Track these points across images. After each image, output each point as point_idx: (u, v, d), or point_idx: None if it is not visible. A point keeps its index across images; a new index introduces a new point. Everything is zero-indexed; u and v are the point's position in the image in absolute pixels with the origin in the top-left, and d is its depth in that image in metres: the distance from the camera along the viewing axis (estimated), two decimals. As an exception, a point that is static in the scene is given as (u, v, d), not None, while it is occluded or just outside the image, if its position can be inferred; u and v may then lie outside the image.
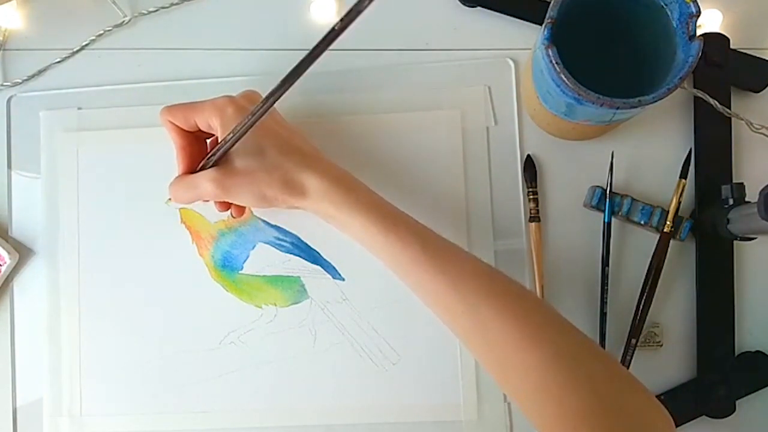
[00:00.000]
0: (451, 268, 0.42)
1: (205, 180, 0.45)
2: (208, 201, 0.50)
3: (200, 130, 0.47)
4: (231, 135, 0.42)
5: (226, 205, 0.50)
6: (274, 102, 0.39)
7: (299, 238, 0.54)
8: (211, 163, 0.46)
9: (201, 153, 0.48)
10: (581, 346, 0.40)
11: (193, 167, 0.47)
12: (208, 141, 0.50)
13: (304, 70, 0.38)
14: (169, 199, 0.54)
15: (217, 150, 0.44)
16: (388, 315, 0.53)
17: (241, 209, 0.51)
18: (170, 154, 0.53)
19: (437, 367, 0.53)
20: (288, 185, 0.45)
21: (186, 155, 0.48)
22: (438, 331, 0.52)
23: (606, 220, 0.52)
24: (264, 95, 0.48)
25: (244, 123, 0.41)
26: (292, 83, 0.38)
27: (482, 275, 0.42)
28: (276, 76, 0.56)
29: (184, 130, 0.47)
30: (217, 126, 0.45)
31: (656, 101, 0.41)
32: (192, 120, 0.46)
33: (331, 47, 0.57)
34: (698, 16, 0.42)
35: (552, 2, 0.42)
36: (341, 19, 0.34)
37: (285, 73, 0.38)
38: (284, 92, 0.39)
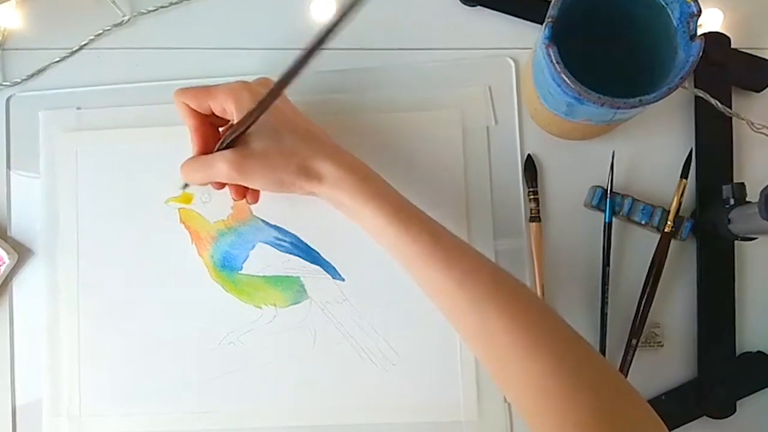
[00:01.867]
0: (459, 266, 0.42)
1: (221, 160, 0.45)
2: (222, 187, 0.49)
3: (213, 114, 0.47)
4: (247, 117, 0.42)
5: (241, 193, 0.49)
6: (290, 80, 0.39)
7: (299, 238, 0.54)
8: (224, 145, 0.46)
9: (214, 135, 0.48)
10: (583, 355, 0.40)
11: (206, 149, 0.47)
12: (221, 129, 0.50)
13: (322, 46, 0.38)
14: (169, 199, 0.54)
15: (234, 131, 0.44)
16: (388, 315, 0.53)
17: (256, 194, 0.50)
18: (170, 154, 0.53)
19: (437, 367, 0.52)
20: (304, 171, 0.44)
21: (200, 136, 0.47)
22: (438, 332, 0.52)
23: (607, 220, 0.52)
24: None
25: (261, 104, 0.41)
26: (309, 60, 0.38)
27: (490, 275, 0.42)
28: (276, 76, 0.56)
29: (197, 112, 0.47)
30: (232, 110, 0.45)
31: (657, 101, 0.41)
32: (206, 103, 0.46)
33: (331, 47, 0.57)
34: (699, 15, 0.42)
35: (552, 1, 0.42)
36: None
37: (299, 55, 0.38)
38: (301, 69, 0.38)
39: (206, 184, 0.49)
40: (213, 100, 0.46)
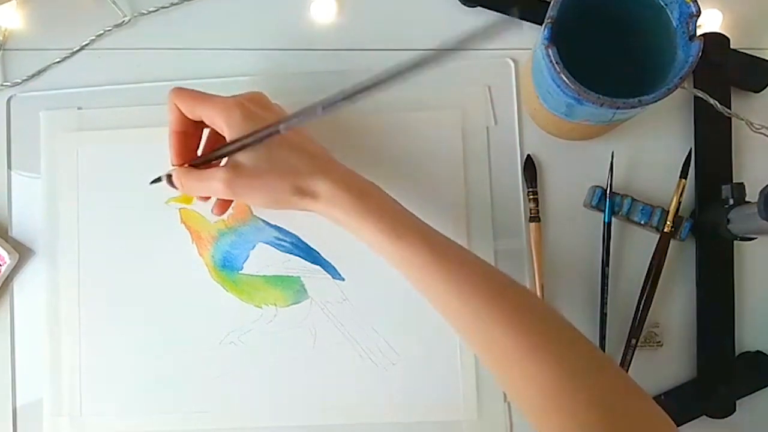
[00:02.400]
0: (459, 275, 0.42)
1: (216, 179, 0.45)
2: (207, 200, 0.51)
3: (200, 120, 0.47)
4: (239, 142, 0.42)
5: (204, 199, 0.50)
6: (295, 125, 0.39)
7: (299, 238, 0.54)
8: (210, 159, 0.46)
9: (195, 142, 0.48)
10: (586, 355, 0.40)
11: (183, 153, 0.47)
12: (206, 131, 0.49)
13: (354, 98, 0.38)
14: (170, 199, 0.54)
15: (221, 150, 0.45)
16: (388, 315, 0.53)
17: (222, 208, 0.51)
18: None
19: (437, 367, 0.52)
20: (298, 189, 0.44)
21: (178, 141, 0.47)
22: (438, 331, 0.52)
23: (606, 220, 0.52)
24: (271, 99, 0.48)
25: (258, 135, 0.41)
26: (333, 107, 0.39)
27: (490, 283, 0.42)
28: (276, 76, 0.56)
29: (184, 117, 0.47)
30: (222, 126, 0.45)
31: (656, 101, 0.41)
32: (197, 112, 0.46)
33: (331, 47, 0.57)
34: (698, 16, 0.42)
35: (552, 2, 0.42)
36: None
37: (321, 97, 0.39)
38: (306, 118, 0.39)
39: (203, 195, 0.49)
40: (205, 110, 0.45)
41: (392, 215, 0.44)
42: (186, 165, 0.48)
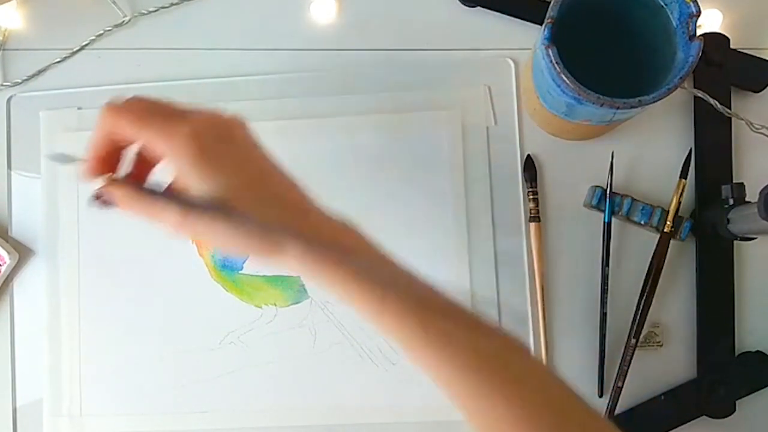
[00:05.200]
0: (457, 352, 0.35)
1: (169, 214, 0.36)
2: None
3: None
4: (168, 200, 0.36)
5: None
6: None
7: (299, 238, 0.54)
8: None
9: (116, 162, 0.39)
10: (586, 426, 0.35)
11: (104, 167, 0.38)
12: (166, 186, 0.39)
13: None
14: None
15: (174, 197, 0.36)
16: (388, 315, 0.53)
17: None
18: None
19: (437, 367, 0.52)
20: (265, 244, 0.35)
21: (103, 160, 0.38)
22: (438, 331, 0.52)
23: (606, 220, 0.52)
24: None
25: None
26: None
27: (487, 351, 0.36)
28: (276, 75, 0.56)
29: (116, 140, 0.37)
30: (169, 163, 0.36)
31: (656, 101, 0.41)
32: (142, 135, 0.36)
33: (331, 47, 0.57)
34: (698, 16, 0.42)
35: (552, 2, 0.42)
36: None
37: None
38: None
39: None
40: (151, 136, 0.36)
41: (374, 276, 0.36)
42: (126, 184, 0.38)
